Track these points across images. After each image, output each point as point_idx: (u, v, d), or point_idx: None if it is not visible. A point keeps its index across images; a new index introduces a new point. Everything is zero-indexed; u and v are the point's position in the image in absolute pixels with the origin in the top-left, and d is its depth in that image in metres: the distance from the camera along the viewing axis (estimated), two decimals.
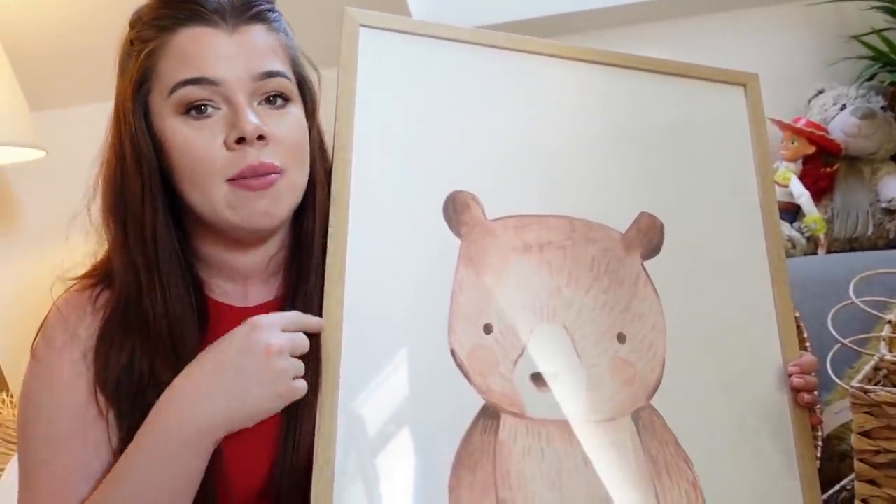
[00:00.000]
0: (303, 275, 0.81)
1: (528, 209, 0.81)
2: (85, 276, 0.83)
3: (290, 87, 0.78)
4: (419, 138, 0.80)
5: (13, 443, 1.54)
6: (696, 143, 0.88)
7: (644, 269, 0.82)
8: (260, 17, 0.78)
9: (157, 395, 0.74)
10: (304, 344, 0.71)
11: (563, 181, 0.83)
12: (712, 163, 0.88)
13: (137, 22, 0.79)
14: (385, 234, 0.77)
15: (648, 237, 0.83)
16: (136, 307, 0.77)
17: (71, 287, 0.82)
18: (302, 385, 0.71)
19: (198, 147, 0.75)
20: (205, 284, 0.82)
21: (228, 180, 0.75)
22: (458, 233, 0.78)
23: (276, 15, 0.81)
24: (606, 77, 0.87)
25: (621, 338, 0.79)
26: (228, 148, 0.75)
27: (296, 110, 0.79)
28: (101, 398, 0.76)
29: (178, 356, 0.76)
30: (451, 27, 0.84)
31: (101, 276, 0.82)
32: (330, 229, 0.75)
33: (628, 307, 0.80)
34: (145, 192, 0.77)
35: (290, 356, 0.70)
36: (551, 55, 0.86)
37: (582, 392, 0.76)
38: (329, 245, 0.74)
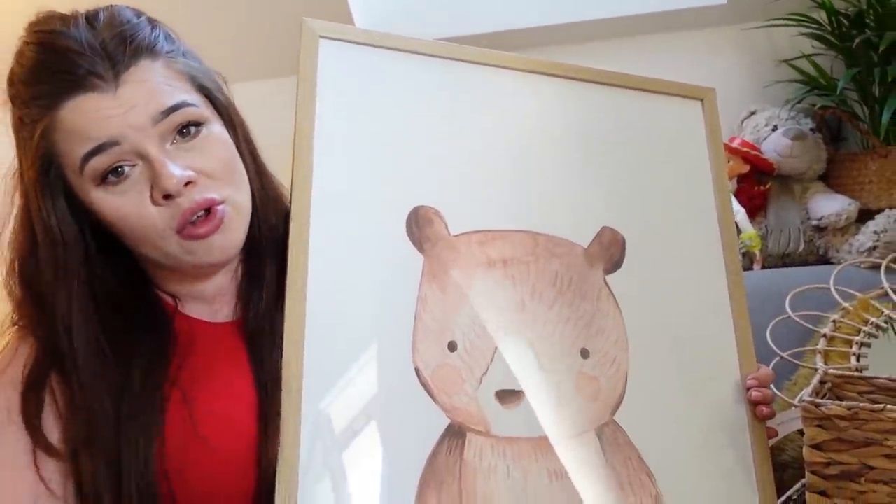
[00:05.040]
0: (257, 290, 0.79)
1: (491, 224, 0.80)
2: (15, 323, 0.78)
3: (198, 111, 0.74)
4: (380, 152, 0.78)
5: None
6: (656, 156, 0.89)
7: (606, 283, 0.82)
8: (140, 52, 0.72)
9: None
10: None
11: (526, 195, 0.83)
12: (671, 176, 0.89)
13: (16, 99, 0.74)
14: (346, 250, 0.74)
15: (610, 252, 0.84)
16: (59, 370, 0.74)
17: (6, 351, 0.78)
18: None
19: (129, 212, 0.72)
20: (177, 301, 0.81)
21: (177, 232, 0.73)
22: (421, 248, 0.77)
23: (154, 35, 0.74)
24: (567, 90, 0.88)
25: (585, 353, 0.79)
26: (157, 204, 0.72)
27: (214, 128, 0.76)
28: (44, 464, 0.72)
29: (91, 445, 0.72)
30: (411, 39, 0.82)
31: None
32: (290, 245, 0.72)
33: (591, 322, 0.80)
34: (59, 279, 0.73)
35: None
36: (512, 68, 0.85)
37: (546, 409, 0.76)
38: (290, 261, 0.72)
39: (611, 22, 1.76)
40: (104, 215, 0.73)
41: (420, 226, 0.77)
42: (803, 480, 0.84)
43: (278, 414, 0.69)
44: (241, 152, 0.78)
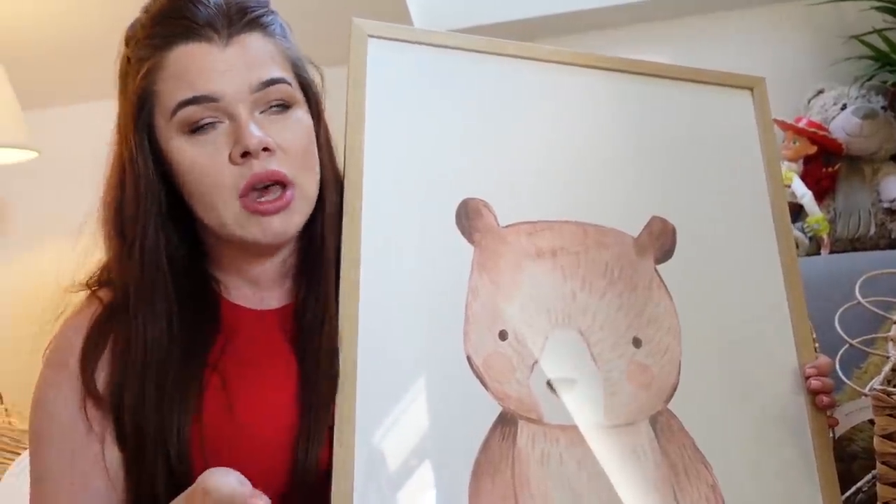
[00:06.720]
0: (315, 279, 0.81)
1: (539, 215, 0.81)
2: (89, 284, 0.83)
3: (292, 92, 0.78)
4: (430, 147, 0.80)
5: (8, 451, 1.53)
6: (706, 146, 0.88)
7: (657, 272, 0.82)
8: (255, 25, 0.77)
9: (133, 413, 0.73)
10: None
11: (575, 187, 0.83)
12: (722, 166, 0.88)
13: (132, 39, 0.79)
14: (398, 243, 0.76)
15: (661, 241, 0.83)
16: (121, 324, 0.77)
17: (79, 304, 0.82)
18: None
19: (203, 164, 0.75)
20: (223, 288, 0.83)
21: (240, 197, 0.75)
22: (470, 240, 0.78)
23: (271, 18, 0.80)
24: (616, 83, 0.88)
25: (637, 342, 0.79)
26: (234, 162, 0.75)
27: (300, 114, 0.79)
28: (92, 413, 0.76)
29: (143, 378, 0.75)
30: (459, 36, 0.84)
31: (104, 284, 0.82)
32: (343, 240, 0.75)
33: (643, 311, 0.80)
34: (140, 214, 0.77)
35: None
36: (560, 62, 0.86)
37: (599, 397, 0.76)
38: (343, 256, 0.74)
39: (677, 1, 1.72)
40: (178, 165, 0.76)
41: (469, 217, 0.79)
42: (874, 471, 0.82)
43: (319, 405, 0.71)
44: (319, 146, 0.81)
